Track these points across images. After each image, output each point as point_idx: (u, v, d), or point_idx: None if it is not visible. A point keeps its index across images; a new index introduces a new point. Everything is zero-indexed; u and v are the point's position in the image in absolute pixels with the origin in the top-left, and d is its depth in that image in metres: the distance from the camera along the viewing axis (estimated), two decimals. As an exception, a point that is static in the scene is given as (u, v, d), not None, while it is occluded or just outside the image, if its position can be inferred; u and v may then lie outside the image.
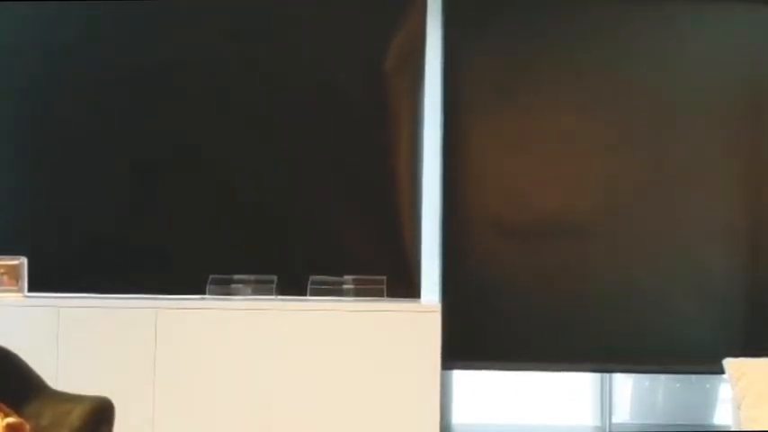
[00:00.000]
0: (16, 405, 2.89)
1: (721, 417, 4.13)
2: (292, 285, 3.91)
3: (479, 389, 4.25)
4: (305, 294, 3.89)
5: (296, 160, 4.06)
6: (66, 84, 4.15)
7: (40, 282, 3.95)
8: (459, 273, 4.02)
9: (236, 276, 3.93)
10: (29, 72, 4.18)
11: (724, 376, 3.38)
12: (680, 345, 3.95)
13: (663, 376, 4.14)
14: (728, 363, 3.39)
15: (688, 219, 4.01)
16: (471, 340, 3.99)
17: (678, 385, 4.21)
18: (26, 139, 4.15)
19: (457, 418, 4.17)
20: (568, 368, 4.06)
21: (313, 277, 3.92)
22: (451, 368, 4.02)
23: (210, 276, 3.92)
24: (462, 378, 4.17)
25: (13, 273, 3.87)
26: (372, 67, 4.04)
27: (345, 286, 3.90)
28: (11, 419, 2.79)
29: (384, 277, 3.91)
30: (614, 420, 4.12)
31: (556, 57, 4.05)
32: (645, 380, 4.22)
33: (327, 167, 4.05)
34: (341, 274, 3.93)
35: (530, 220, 4.05)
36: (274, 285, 3.91)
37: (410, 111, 4.05)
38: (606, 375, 4.10)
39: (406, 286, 3.99)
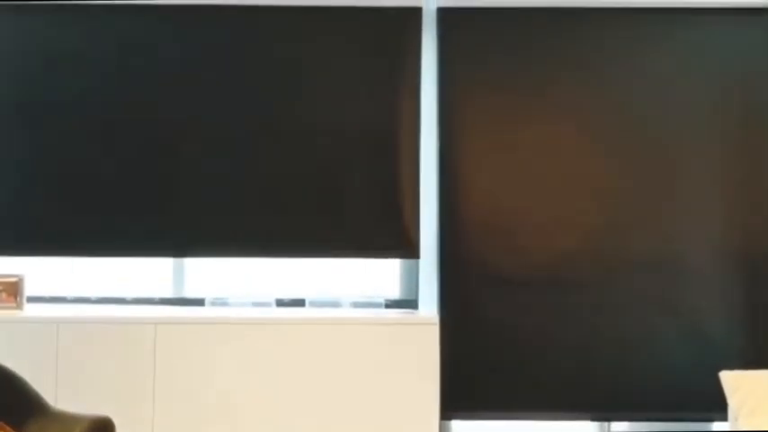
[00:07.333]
0: (17, 425, 2.90)
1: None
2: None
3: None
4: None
5: (294, 185, 4.05)
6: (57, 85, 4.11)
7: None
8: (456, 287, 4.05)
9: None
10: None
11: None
12: (678, 392, 3.94)
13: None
14: (725, 375, 3.43)
15: (688, 267, 4.01)
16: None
17: None
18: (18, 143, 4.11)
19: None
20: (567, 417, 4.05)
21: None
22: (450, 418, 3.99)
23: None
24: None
25: (12, 289, 3.86)
26: (371, 98, 4.06)
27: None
28: (13, 439, 2.81)
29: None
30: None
31: (550, 80, 4.08)
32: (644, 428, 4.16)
33: (327, 190, 4.05)
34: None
35: (523, 232, 4.06)
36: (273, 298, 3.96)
37: (409, 136, 4.05)
38: (605, 424, 4.06)
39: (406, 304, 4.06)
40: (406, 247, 4.01)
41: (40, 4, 4.06)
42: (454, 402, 3.88)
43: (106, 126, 4.05)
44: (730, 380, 3.39)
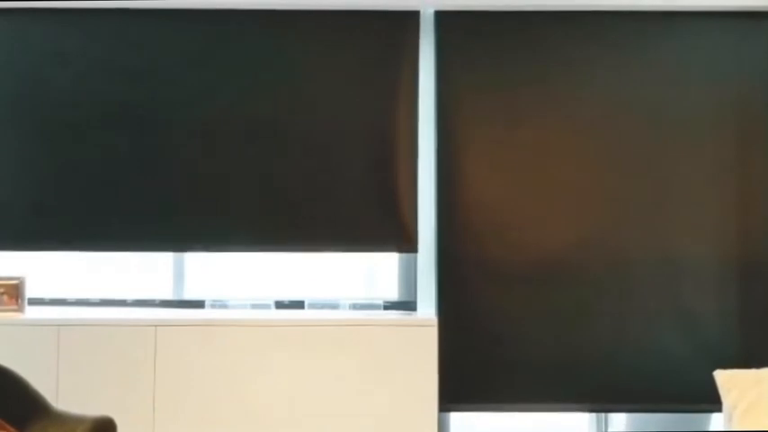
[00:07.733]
0: (19, 425, 2.91)
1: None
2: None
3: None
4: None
5: (294, 183, 4.08)
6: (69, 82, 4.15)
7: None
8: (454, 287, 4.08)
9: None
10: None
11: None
12: (674, 384, 3.97)
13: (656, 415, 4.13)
14: (719, 374, 3.43)
15: (683, 263, 4.04)
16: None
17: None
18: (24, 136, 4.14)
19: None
20: (564, 408, 4.09)
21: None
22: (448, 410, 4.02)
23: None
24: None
25: (13, 292, 3.87)
26: (370, 98, 4.09)
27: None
28: (15, 439, 2.83)
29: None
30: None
31: (547, 83, 4.11)
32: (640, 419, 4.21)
33: (327, 188, 4.08)
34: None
35: (521, 230, 4.09)
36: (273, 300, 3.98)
37: (408, 136, 4.08)
38: (602, 415, 4.11)
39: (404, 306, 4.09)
40: (405, 243, 4.04)
41: (40, 7, 4.10)
42: (453, 395, 3.91)
43: (106, 124, 4.08)
44: (725, 379, 3.39)
